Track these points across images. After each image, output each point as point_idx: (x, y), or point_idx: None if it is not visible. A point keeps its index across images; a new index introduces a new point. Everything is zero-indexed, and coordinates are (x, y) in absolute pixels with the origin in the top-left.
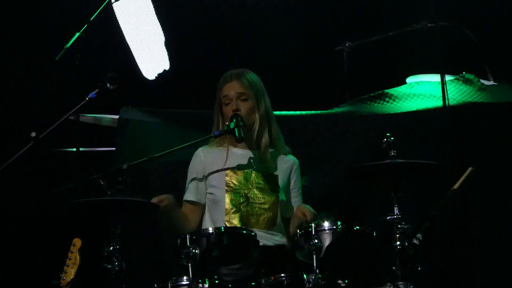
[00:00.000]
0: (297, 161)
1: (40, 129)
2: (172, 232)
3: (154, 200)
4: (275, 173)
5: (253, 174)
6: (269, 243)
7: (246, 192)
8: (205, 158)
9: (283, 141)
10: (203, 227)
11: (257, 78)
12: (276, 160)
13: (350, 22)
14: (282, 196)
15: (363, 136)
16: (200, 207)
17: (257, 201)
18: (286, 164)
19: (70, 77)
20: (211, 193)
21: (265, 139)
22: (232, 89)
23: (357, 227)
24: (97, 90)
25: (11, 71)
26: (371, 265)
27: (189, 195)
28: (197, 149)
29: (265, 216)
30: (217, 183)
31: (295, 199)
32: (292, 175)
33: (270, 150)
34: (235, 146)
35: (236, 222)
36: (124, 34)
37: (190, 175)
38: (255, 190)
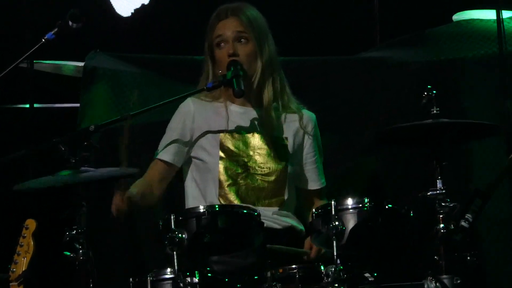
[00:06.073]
0: (314, 117)
1: None
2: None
3: (113, 208)
4: (283, 135)
5: (255, 138)
6: (276, 225)
7: (246, 160)
8: (195, 111)
9: (290, 95)
10: (188, 203)
11: (260, 15)
12: (284, 119)
13: None
14: (292, 165)
15: (397, 89)
16: (173, 170)
17: (259, 172)
18: (297, 123)
19: (22, 15)
20: (200, 159)
21: (267, 92)
22: (228, 27)
23: (389, 206)
24: (56, 29)
25: None
26: (407, 253)
27: (165, 155)
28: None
29: (270, 190)
30: (209, 147)
31: (310, 172)
32: (306, 137)
33: (275, 106)
34: (233, 102)
35: (232, 198)
36: None
37: (171, 129)
38: (257, 157)
